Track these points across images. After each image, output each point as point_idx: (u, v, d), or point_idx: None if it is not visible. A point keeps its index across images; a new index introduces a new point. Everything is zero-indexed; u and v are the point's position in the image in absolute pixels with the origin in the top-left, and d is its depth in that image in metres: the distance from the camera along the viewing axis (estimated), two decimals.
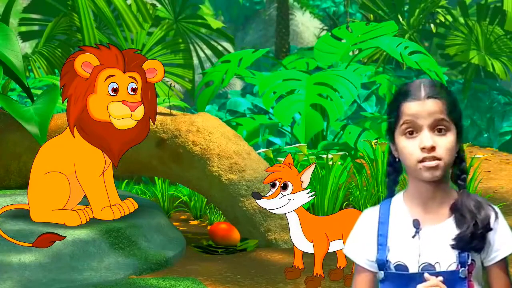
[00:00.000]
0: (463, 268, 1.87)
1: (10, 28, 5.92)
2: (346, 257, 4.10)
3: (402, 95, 1.91)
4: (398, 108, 1.91)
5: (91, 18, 8.88)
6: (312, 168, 4.00)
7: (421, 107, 1.87)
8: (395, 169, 1.99)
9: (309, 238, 4.00)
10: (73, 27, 9.31)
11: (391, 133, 1.94)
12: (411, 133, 1.88)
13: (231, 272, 4.64)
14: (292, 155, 6.47)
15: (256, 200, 3.94)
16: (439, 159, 1.85)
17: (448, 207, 1.91)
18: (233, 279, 4.51)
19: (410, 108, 1.88)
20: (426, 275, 1.87)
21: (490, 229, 1.88)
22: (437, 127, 1.86)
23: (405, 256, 1.90)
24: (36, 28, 11.23)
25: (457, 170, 1.95)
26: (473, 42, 12.01)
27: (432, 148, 1.85)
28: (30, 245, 4.21)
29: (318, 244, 4.01)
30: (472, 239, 1.86)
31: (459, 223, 1.88)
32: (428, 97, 1.87)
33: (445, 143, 1.86)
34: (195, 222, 6.36)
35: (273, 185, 3.92)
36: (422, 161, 1.86)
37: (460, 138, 1.92)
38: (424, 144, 1.85)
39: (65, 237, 4.27)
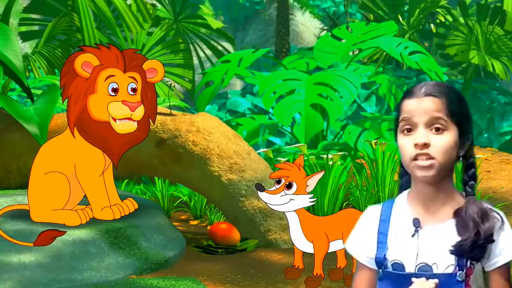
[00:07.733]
0: (460, 271, 1.84)
1: (10, 28, 5.92)
2: (346, 257, 4.13)
3: (405, 94, 1.92)
4: (400, 106, 1.91)
5: (91, 18, 8.88)
6: (320, 174, 4.02)
7: (418, 104, 1.86)
8: (407, 171, 1.95)
9: (309, 238, 4.00)
10: (73, 27, 9.31)
11: (395, 132, 1.93)
12: (408, 130, 1.86)
13: (231, 272, 4.64)
14: (292, 155, 6.48)
15: (258, 192, 3.93)
16: (432, 158, 1.83)
17: (450, 208, 1.89)
18: (233, 279, 4.51)
19: (408, 105, 1.88)
20: (420, 279, 1.84)
21: (492, 241, 1.85)
22: (434, 126, 1.84)
23: (403, 254, 1.88)
24: (36, 28, 11.23)
25: (466, 176, 1.92)
26: (473, 42, 12.00)
27: (425, 145, 1.83)
28: (31, 244, 4.21)
29: (318, 244, 4.01)
30: (472, 249, 1.83)
31: (460, 230, 1.85)
32: (426, 95, 1.86)
33: (440, 143, 1.83)
34: (195, 222, 6.35)
35: (278, 182, 3.93)
36: (415, 158, 1.84)
37: (465, 140, 1.90)
38: (416, 140, 1.84)
39: (65, 232, 4.27)
